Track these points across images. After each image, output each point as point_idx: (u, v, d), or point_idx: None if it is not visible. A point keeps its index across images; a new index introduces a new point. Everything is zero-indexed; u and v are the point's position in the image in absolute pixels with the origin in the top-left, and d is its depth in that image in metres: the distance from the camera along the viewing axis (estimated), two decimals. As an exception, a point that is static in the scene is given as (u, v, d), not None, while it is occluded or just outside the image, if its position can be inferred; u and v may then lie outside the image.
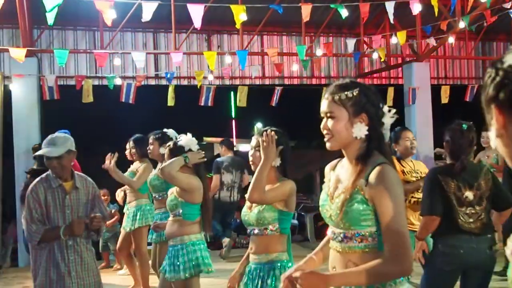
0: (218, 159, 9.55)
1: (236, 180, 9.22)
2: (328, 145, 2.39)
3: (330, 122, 2.36)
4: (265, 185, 3.45)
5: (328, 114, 2.37)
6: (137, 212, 6.84)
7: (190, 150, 4.58)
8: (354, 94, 2.33)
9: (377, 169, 2.26)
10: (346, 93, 2.34)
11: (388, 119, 2.41)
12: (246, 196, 3.55)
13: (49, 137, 4.23)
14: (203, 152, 4.66)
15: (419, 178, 5.35)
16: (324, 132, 2.39)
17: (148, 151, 6.20)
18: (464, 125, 4.37)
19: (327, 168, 2.56)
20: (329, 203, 2.39)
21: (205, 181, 4.66)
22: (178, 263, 4.44)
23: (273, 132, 3.45)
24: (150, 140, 6.12)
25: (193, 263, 4.43)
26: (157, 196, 6.09)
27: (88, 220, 4.06)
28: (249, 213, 3.63)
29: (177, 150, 4.63)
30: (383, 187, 2.22)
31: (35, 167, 6.05)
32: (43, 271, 4.03)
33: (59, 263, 4.01)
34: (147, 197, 7.00)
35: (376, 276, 2.19)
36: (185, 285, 4.46)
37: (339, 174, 2.44)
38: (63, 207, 4.08)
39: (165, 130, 6.09)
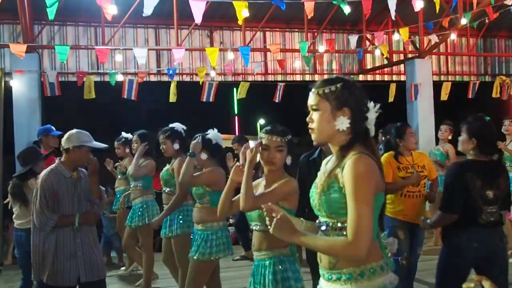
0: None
1: None
2: (312, 137, 2.50)
3: (314, 115, 2.47)
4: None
5: (314, 107, 2.47)
6: (143, 209, 6.90)
7: (217, 143, 5.07)
8: (337, 88, 2.43)
9: (351, 158, 2.34)
10: (329, 87, 2.44)
11: (373, 114, 2.47)
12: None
13: (86, 132, 4.65)
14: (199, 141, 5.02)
15: (414, 173, 5.38)
16: (309, 125, 2.50)
17: (162, 151, 6.14)
18: (487, 118, 4.29)
19: (323, 163, 2.65)
20: (315, 193, 2.49)
21: (227, 170, 5.07)
22: (205, 246, 4.89)
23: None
24: (161, 139, 6.06)
25: (219, 247, 4.92)
26: (167, 190, 6.07)
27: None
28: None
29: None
30: (350, 175, 2.30)
31: (20, 171, 6.04)
32: (52, 253, 4.45)
33: (67, 245, 4.48)
34: (152, 193, 7.10)
35: (330, 250, 2.33)
36: (203, 266, 4.91)
37: (327, 167, 2.54)
38: (72, 196, 4.54)
39: (171, 125, 6.07)
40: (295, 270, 3.56)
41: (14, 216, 6.00)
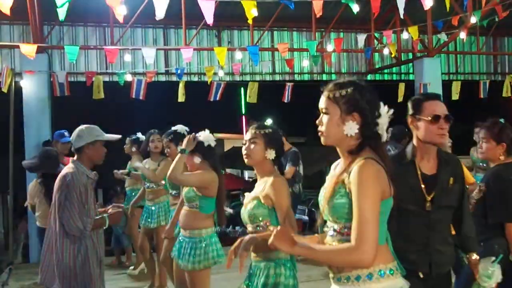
0: (294, 149, 8.39)
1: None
2: (321, 140, 2.47)
3: (324, 118, 2.44)
4: None
5: (323, 110, 2.45)
6: (160, 209, 6.97)
7: (209, 145, 4.78)
8: (348, 92, 2.39)
9: (358, 164, 2.31)
10: (340, 91, 2.41)
11: (385, 120, 2.42)
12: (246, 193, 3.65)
13: (95, 126, 4.40)
14: (196, 135, 4.79)
15: None
16: (319, 127, 2.47)
17: (167, 154, 6.19)
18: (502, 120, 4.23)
19: (332, 166, 2.62)
20: (323, 197, 2.47)
21: (220, 174, 4.83)
22: (194, 254, 4.63)
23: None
24: (165, 143, 6.08)
25: (210, 255, 4.65)
26: (173, 193, 6.07)
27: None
28: (244, 210, 3.60)
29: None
30: (356, 181, 2.27)
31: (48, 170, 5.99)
32: (85, 259, 4.19)
33: (96, 250, 4.29)
34: (167, 193, 7.13)
35: (334, 258, 2.30)
36: (199, 275, 4.63)
37: (336, 171, 2.52)
38: (93, 197, 4.34)
39: (174, 128, 6.05)
40: (289, 275, 3.44)
41: (37, 214, 5.99)
